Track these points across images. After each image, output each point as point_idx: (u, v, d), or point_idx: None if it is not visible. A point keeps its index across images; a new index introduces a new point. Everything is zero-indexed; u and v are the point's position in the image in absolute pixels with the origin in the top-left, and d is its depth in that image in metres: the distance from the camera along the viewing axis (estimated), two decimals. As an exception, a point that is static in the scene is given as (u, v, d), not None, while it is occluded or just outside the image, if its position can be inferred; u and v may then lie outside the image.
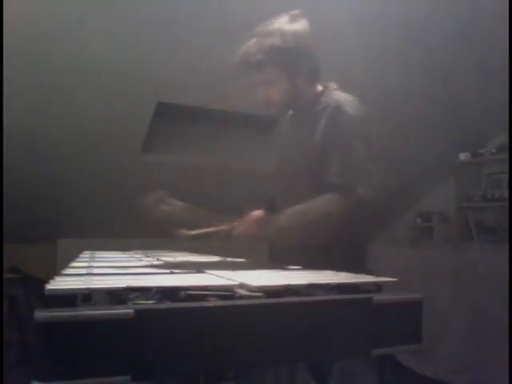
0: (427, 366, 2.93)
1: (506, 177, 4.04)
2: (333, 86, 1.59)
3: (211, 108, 1.90)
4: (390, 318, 0.90)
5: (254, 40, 1.49)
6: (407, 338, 0.92)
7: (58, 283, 0.88)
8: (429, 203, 4.78)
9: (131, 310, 0.70)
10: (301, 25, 1.50)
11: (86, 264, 1.35)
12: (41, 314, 0.67)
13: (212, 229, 1.52)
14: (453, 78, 3.54)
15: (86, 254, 1.77)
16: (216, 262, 1.62)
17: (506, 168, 3.87)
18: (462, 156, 4.33)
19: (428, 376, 2.91)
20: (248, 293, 0.87)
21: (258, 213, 1.40)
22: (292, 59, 1.47)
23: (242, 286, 0.90)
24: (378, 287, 1.00)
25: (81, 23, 2.59)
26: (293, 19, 1.49)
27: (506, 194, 4.04)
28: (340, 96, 1.53)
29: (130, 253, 1.83)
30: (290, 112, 1.64)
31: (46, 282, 0.85)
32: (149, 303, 0.77)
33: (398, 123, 3.80)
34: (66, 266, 1.25)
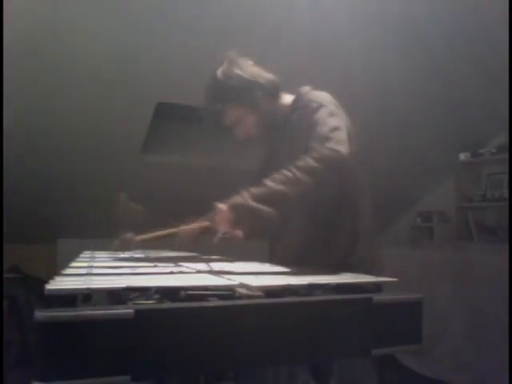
0: (427, 366, 2.93)
1: (506, 177, 4.04)
2: (305, 89, 1.60)
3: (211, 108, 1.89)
4: (390, 318, 0.90)
5: (206, 91, 1.55)
6: (407, 338, 0.92)
7: (58, 283, 0.88)
8: (429, 203, 4.78)
9: (131, 310, 0.70)
10: (239, 63, 1.54)
11: (85, 264, 1.35)
12: (41, 314, 0.67)
13: (165, 232, 1.49)
14: (453, 78, 3.54)
15: (86, 254, 1.77)
16: (195, 258, 1.64)
17: (506, 168, 3.86)
18: (462, 156, 4.33)
19: (428, 376, 2.91)
20: (248, 293, 0.87)
21: (220, 206, 1.29)
22: (242, 94, 1.51)
23: (241, 285, 0.90)
24: (377, 287, 1.00)
25: (81, 23, 2.59)
26: (231, 63, 1.54)
27: (506, 193, 4.04)
28: (313, 95, 1.54)
29: (130, 253, 1.83)
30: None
31: (46, 282, 0.85)
32: (149, 303, 0.77)
33: (398, 123, 3.81)
34: (65, 266, 1.25)
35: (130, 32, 2.69)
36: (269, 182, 1.28)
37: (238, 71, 1.52)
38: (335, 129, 1.37)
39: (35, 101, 2.89)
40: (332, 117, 1.42)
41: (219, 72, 1.53)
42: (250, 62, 1.57)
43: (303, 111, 1.51)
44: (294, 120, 1.54)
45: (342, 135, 1.36)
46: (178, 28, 2.73)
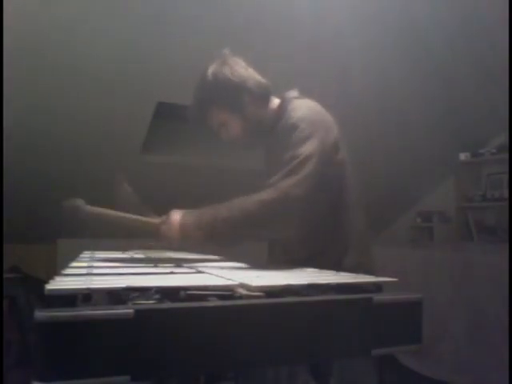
0: (427, 366, 2.93)
1: (506, 177, 4.04)
2: (291, 94, 1.57)
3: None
4: (390, 318, 0.90)
5: (195, 90, 1.55)
6: (407, 338, 0.92)
7: (58, 283, 0.88)
8: (429, 203, 4.78)
9: (131, 310, 0.70)
10: (229, 64, 1.52)
11: (85, 264, 1.35)
12: (41, 314, 0.67)
13: (125, 220, 1.49)
14: (453, 78, 3.55)
15: (86, 254, 1.77)
16: (194, 259, 1.63)
17: (506, 168, 3.86)
18: (462, 156, 4.33)
19: (428, 376, 2.91)
20: (248, 293, 0.87)
21: (173, 214, 1.37)
22: (230, 96, 1.50)
23: (241, 285, 0.90)
24: (378, 287, 1.00)
25: (81, 23, 2.59)
26: (221, 63, 1.52)
27: (506, 193, 4.04)
28: (296, 107, 1.50)
29: (130, 253, 1.83)
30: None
31: (46, 282, 0.85)
32: (149, 303, 0.77)
33: (398, 123, 3.81)
34: (65, 266, 1.25)
35: (130, 32, 2.69)
36: (220, 207, 1.34)
37: (227, 73, 1.50)
38: (303, 162, 1.36)
39: (35, 101, 2.89)
40: (304, 143, 1.39)
41: (209, 72, 1.52)
42: (242, 64, 1.54)
43: (281, 125, 1.49)
44: (274, 132, 1.53)
45: (307, 170, 1.35)
46: (177, 28, 2.74)
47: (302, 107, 1.50)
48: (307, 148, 1.38)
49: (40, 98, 2.89)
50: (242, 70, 1.53)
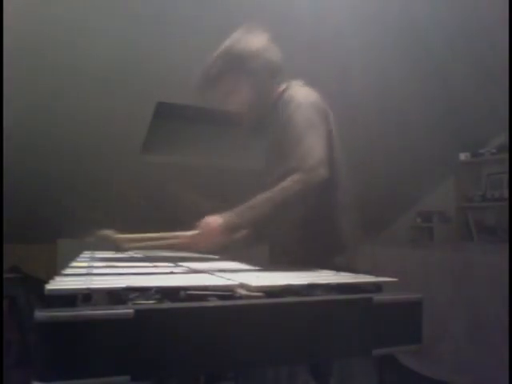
0: (427, 366, 2.93)
1: (506, 177, 4.04)
2: (297, 83, 1.60)
3: (211, 108, 1.90)
4: (390, 318, 0.90)
5: (210, 56, 1.55)
6: (407, 338, 0.92)
7: (58, 283, 0.88)
8: (429, 203, 4.78)
9: (131, 310, 0.70)
10: (254, 33, 1.55)
11: (85, 264, 1.35)
12: (41, 314, 0.67)
13: (159, 242, 1.44)
14: (453, 78, 3.54)
15: (86, 254, 1.77)
16: (191, 258, 1.63)
17: (506, 168, 3.86)
18: (462, 156, 4.33)
19: (428, 376, 2.91)
20: (248, 293, 0.87)
21: (212, 220, 1.31)
22: (247, 64, 1.51)
23: (241, 286, 0.90)
24: (377, 287, 1.00)
25: (81, 23, 2.59)
26: (246, 31, 1.55)
27: (506, 193, 4.04)
28: (297, 91, 1.54)
29: (130, 253, 1.83)
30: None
31: (46, 282, 0.85)
32: (149, 303, 0.77)
33: (398, 123, 3.81)
34: (66, 266, 1.25)
35: (130, 32, 2.69)
36: (260, 202, 1.31)
37: (251, 41, 1.52)
38: (314, 145, 1.38)
39: (35, 101, 2.89)
40: (309, 125, 1.42)
41: (230, 38, 1.54)
42: (265, 35, 1.56)
43: (283, 108, 1.51)
44: (277, 112, 1.54)
45: (320, 152, 1.38)
46: (178, 28, 2.73)
47: (305, 91, 1.53)
48: (313, 132, 1.41)
49: (40, 97, 2.89)
50: (264, 41, 1.55)
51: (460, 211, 4.39)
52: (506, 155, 3.91)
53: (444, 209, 4.58)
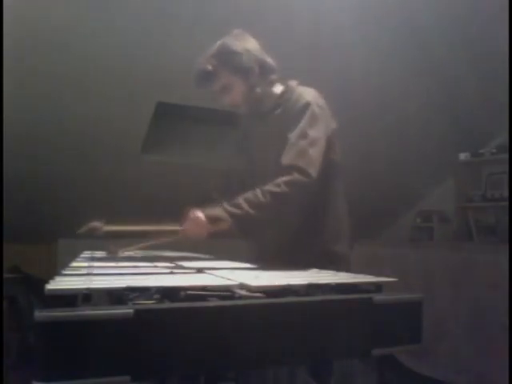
0: (427, 366, 2.93)
1: (506, 177, 4.04)
2: (294, 83, 1.65)
3: (211, 108, 1.90)
4: (390, 318, 0.90)
5: (204, 55, 1.61)
6: (407, 338, 0.92)
7: (58, 283, 0.88)
8: (429, 203, 4.77)
9: (131, 310, 0.70)
10: (243, 36, 1.63)
11: (85, 264, 1.35)
12: (41, 314, 0.67)
13: (150, 243, 1.54)
14: (453, 78, 3.55)
15: (86, 254, 1.77)
16: (188, 257, 1.65)
17: (506, 168, 3.86)
18: (462, 156, 4.33)
19: (428, 376, 2.91)
20: (248, 293, 0.87)
21: (196, 213, 1.40)
22: (240, 61, 1.57)
23: (241, 286, 0.90)
24: (377, 287, 1.00)
25: (81, 23, 2.59)
26: (235, 35, 1.62)
27: (506, 193, 4.03)
28: (304, 91, 1.59)
29: (130, 253, 1.83)
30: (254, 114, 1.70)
31: (46, 281, 0.85)
32: (149, 303, 0.77)
33: (398, 123, 3.81)
34: (66, 265, 1.25)
35: (130, 32, 2.69)
36: (243, 203, 1.38)
37: (242, 42, 1.59)
38: (313, 143, 1.46)
39: (35, 101, 2.89)
40: (314, 125, 1.49)
41: (225, 38, 1.60)
42: (255, 41, 1.63)
43: (289, 106, 1.56)
44: (279, 113, 1.60)
45: (317, 152, 1.46)
46: (178, 28, 2.74)
47: (312, 92, 1.59)
48: (316, 131, 1.48)
49: (40, 98, 2.89)
50: (255, 45, 1.62)
51: (460, 211, 4.39)
52: (506, 155, 3.91)
53: (444, 209, 4.58)
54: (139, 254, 1.80)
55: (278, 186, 1.40)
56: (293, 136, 1.47)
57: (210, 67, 1.58)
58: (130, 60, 2.84)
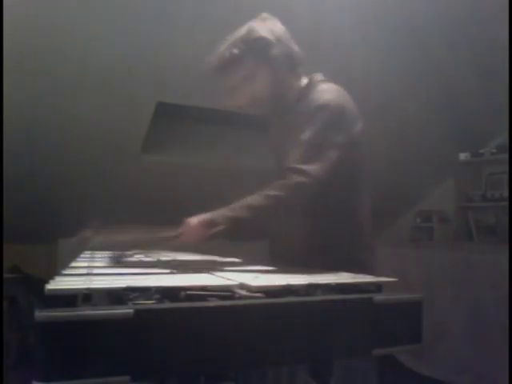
0: (427, 366, 2.93)
1: (506, 177, 4.04)
2: (318, 77, 1.54)
3: (211, 108, 1.90)
4: (390, 318, 0.90)
5: (227, 39, 1.48)
6: (407, 338, 0.92)
7: (58, 283, 0.88)
8: (429, 203, 4.78)
9: (131, 310, 0.70)
10: (272, 20, 1.52)
11: (85, 264, 1.35)
12: (41, 314, 0.67)
13: (152, 239, 1.48)
14: (453, 78, 3.55)
15: (86, 254, 1.76)
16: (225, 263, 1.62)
17: (506, 168, 3.86)
18: (462, 156, 4.33)
19: (428, 376, 2.91)
20: (248, 293, 0.87)
21: (192, 219, 1.36)
22: (269, 49, 1.45)
23: (241, 286, 0.90)
24: (378, 287, 1.00)
25: (81, 23, 2.59)
26: (263, 18, 1.51)
27: (506, 193, 4.04)
28: (325, 89, 1.49)
29: (131, 253, 1.83)
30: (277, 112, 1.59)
31: (46, 281, 0.85)
32: (149, 303, 0.77)
33: (398, 123, 3.81)
34: (66, 266, 1.25)
35: (130, 32, 2.69)
36: (238, 207, 1.34)
37: (272, 27, 1.48)
38: (323, 146, 1.37)
39: (35, 101, 2.89)
40: (328, 128, 1.40)
41: (253, 22, 1.48)
42: (284, 27, 1.52)
43: (306, 104, 1.46)
44: (297, 110, 1.49)
45: (326, 155, 1.37)
46: (178, 28, 2.74)
47: (333, 91, 1.48)
48: (332, 133, 1.39)
49: (40, 98, 2.89)
50: (283, 31, 1.51)
51: (460, 211, 4.39)
52: (506, 155, 3.91)
53: (444, 209, 4.58)
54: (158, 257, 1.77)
55: (276, 188, 1.35)
56: (303, 137, 1.39)
57: (236, 51, 1.43)
58: (130, 60, 2.84)
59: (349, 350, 0.88)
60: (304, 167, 1.35)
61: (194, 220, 1.37)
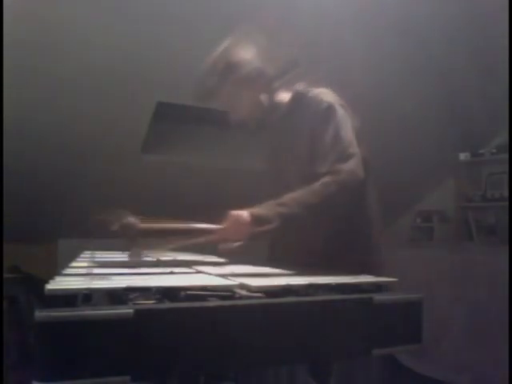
0: (427, 366, 2.93)
1: (506, 177, 4.04)
2: (301, 87, 1.57)
3: (211, 108, 1.89)
4: (390, 318, 0.90)
5: (204, 68, 1.52)
6: (407, 338, 0.92)
7: (58, 283, 0.88)
8: (429, 203, 4.77)
9: (131, 310, 0.70)
10: (245, 42, 1.53)
11: (85, 264, 1.35)
12: (41, 314, 0.67)
13: (192, 240, 1.37)
14: (453, 78, 3.54)
15: (86, 254, 1.77)
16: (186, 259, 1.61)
17: (506, 168, 3.86)
18: (462, 156, 4.33)
19: (428, 376, 2.91)
20: (248, 293, 0.87)
21: (240, 213, 1.28)
22: (244, 71, 1.48)
23: (241, 286, 0.90)
24: (377, 287, 1.00)
25: (81, 23, 2.59)
26: (234, 44, 1.52)
27: (506, 193, 4.04)
28: (320, 93, 1.51)
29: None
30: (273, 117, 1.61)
31: (46, 281, 0.85)
32: (149, 303, 0.77)
33: (398, 123, 3.81)
34: (66, 266, 1.25)
35: (129, 32, 2.69)
36: (291, 202, 1.29)
37: (241, 50, 1.50)
38: (350, 144, 1.38)
39: (35, 101, 2.89)
40: (344, 125, 1.41)
41: (223, 47, 1.50)
42: (254, 47, 1.53)
43: (306, 112, 1.47)
44: (295, 119, 1.51)
45: (357, 151, 1.38)
46: (177, 28, 2.74)
47: (329, 93, 1.51)
48: (347, 130, 1.41)
49: (40, 97, 2.88)
50: (252, 52, 1.52)
51: (460, 211, 4.39)
52: (506, 155, 3.91)
53: (444, 209, 4.58)
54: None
55: (328, 185, 1.31)
56: (326, 140, 1.38)
57: (211, 84, 1.48)
58: (130, 60, 2.84)
59: (349, 349, 0.88)
60: (342, 166, 1.34)
61: (242, 214, 1.28)
